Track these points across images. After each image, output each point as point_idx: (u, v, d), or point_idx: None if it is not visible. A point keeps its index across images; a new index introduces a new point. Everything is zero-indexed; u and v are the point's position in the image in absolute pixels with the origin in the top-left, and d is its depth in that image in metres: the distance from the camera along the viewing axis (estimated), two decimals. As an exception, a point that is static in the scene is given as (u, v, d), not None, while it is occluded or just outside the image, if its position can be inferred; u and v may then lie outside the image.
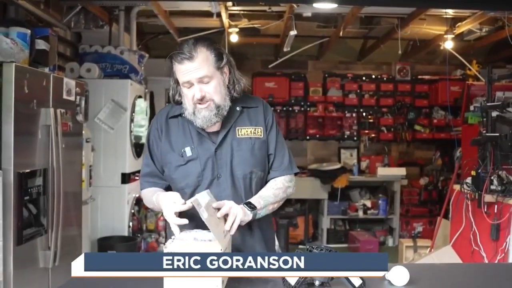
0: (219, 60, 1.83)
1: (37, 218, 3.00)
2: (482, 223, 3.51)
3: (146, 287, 1.44)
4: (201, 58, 1.78)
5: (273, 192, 1.90)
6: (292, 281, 1.51)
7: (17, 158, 2.73)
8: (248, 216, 1.77)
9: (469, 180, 3.62)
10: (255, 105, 1.95)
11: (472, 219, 3.64)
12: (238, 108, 1.91)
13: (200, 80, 1.79)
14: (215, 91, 1.81)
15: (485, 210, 3.43)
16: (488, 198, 3.40)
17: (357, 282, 1.54)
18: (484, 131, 3.68)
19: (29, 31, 3.06)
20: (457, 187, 3.87)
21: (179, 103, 1.92)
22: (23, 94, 2.77)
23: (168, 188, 1.95)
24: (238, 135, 1.89)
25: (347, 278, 1.54)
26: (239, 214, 1.72)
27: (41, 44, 3.15)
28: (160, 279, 1.41)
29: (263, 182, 1.94)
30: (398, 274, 1.63)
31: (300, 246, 6.10)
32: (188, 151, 1.87)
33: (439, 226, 4.60)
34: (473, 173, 3.56)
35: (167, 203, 1.73)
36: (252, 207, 1.80)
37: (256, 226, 1.90)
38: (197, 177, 1.86)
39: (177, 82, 1.87)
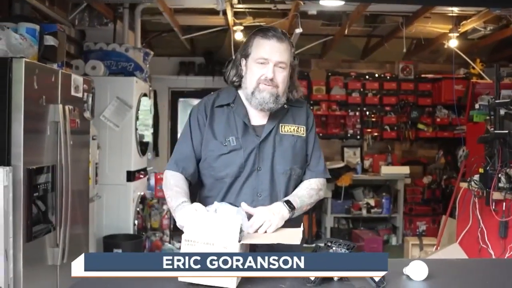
0: (293, 57, 1.93)
1: (45, 215, 2.98)
2: (490, 221, 3.50)
3: (148, 287, 1.43)
4: (287, 44, 1.90)
5: (308, 192, 1.94)
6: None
7: (26, 154, 2.71)
8: (286, 216, 1.79)
9: (476, 177, 3.61)
10: (300, 105, 2.02)
11: (479, 217, 3.62)
12: (285, 106, 1.96)
13: (277, 64, 1.86)
14: (283, 80, 1.89)
15: (493, 207, 3.42)
16: (496, 195, 3.39)
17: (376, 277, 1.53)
18: (492, 129, 3.68)
19: (38, 27, 3.04)
20: (464, 184, 3.86)
21: (234, 84, 1.97)
22: (33, 89, 2.75)
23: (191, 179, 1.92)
24: (281, 131, 1.94)
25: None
26: (273, 221, 1.73)
27: (49, 40, 3.13)
28: (161, 279, 1.40)
29: (300, 180, 1.97)
30: (417, 269, 1.61)
31: (309, 245, 6.07)
32: (232, 141, 1.89)
33: (445, 224, 4.59)
34: (481, 170, 3.55)
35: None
36: (291, 206, 1.82)
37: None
38: (239, 168, 1.88)
39: (245, 58, 1.91)
